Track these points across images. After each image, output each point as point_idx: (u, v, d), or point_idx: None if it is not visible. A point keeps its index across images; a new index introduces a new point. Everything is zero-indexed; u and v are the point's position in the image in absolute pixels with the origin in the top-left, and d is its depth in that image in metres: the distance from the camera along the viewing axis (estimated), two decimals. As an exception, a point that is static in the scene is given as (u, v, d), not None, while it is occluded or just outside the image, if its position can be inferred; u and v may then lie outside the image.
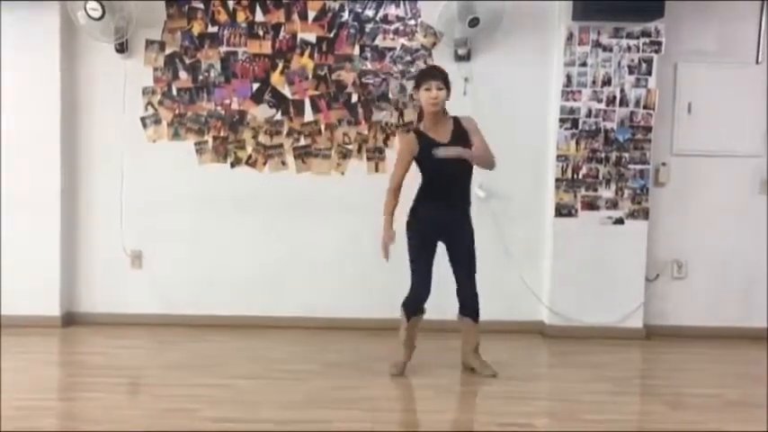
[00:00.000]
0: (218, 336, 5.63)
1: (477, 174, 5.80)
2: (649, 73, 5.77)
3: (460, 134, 4.71)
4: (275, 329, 5.78)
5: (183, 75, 5.84)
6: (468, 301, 4.91)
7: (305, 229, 5.90)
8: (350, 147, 5.90)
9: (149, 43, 5.82)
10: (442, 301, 5.89)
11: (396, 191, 4.80)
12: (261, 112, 5.86)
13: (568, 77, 5.77)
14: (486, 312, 5.89)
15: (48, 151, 5.73)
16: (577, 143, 5.81)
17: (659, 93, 5.80)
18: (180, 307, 5.85)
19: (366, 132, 5.89)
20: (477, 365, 4.90)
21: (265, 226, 5.85)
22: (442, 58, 5.81)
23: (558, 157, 5.82)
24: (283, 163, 5.89)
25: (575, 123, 5.80)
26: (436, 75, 4.73)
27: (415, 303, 4.89)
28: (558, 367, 5.35)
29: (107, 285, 5.93)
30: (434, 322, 5.89)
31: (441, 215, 4.78)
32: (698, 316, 5.95)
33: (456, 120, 4.78)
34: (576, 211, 5.85)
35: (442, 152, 4.58)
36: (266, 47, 5.84)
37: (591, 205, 5.84)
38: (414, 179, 4.79)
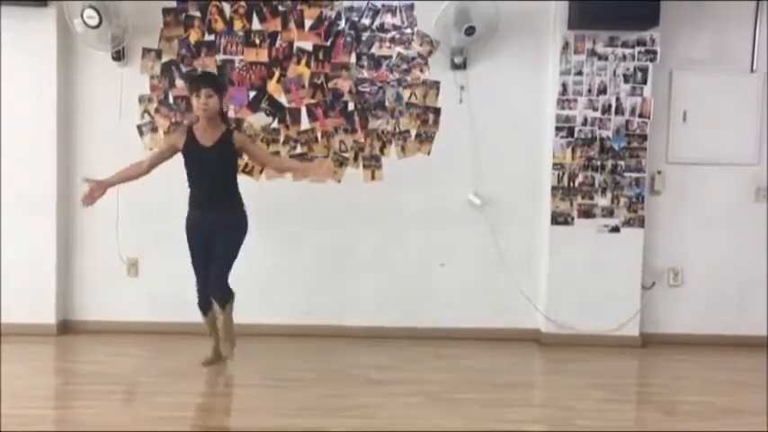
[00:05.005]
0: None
1: (472, 181, 5.86)
2: (644, 81, 5.79)
3: (226, 144, 4.72)
4: (270, 337, 5.77)
5: (179, 83, 5.84)
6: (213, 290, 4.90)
7: (300, 237, 5.91)
8: (346, 155, 5.90)
9: (146, 51, 5.83)
10: (436, 308, 5.94)
11: (146, 166, 4.85)
12: (257, 120, 5.87)
13: (564, 86, 5.79)
14: (482, 320, 5.94)
15: (44, 159, 5.72)
16: (573, 151, 5.82)
17: (654, 101, 5.82)
18: (175, 315, 5.83)
19: (362, 140, 5.90)
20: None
21: (261, 233, 5.81)
22: (438, 66, 5.84)
23: (554, 165, 5.83)
24: (280, 171, 5.90)
25: (570, 131, 5.82)
26: (205, 81, 4.76)
27: (198, 302, 4.97)
28: (554, 375, 5.35)
29: (103, 293, 5.92)
30: (427, 330, 5.93)
31: (202, 216, 4.79)
32: (694, 324, 5.96)
33: (228, 131, 4.78)
34: (572, 219, 5.85)
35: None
36: (263, 55, 5.85)
37: (587, 213, 5.85)
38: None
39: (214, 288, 4.85)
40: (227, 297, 4.89)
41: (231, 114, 5.84)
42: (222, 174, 4.80)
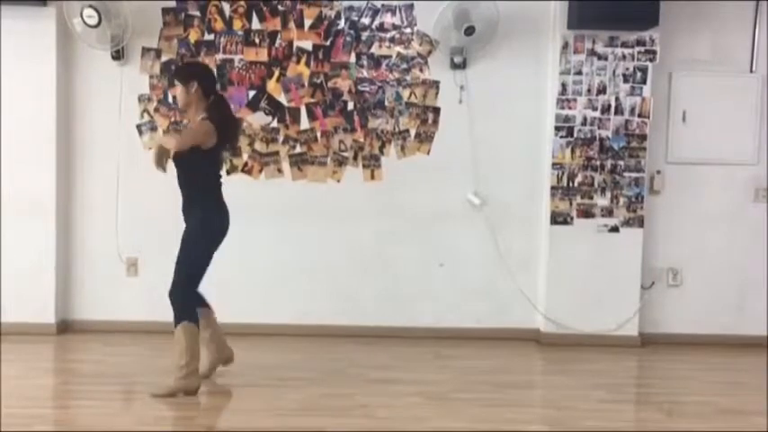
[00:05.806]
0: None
1: (472, 181, 5.86)
2: (644, 81, 5.80)
3: None
4: (269, 336, 5.78)
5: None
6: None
7: (300, 237, 5.90)
8: (346, 154, 5.90)
9: (145, 51, 5.82)
10: (436, 308, 5.94)
11: None
12: (257, 120, 5.87)
13: (564, 86, 5.79)
14: (482, 319, 5.94)
15: (43, 158, 5.72)
16: (573, 151, 5.82)
17: (654, 101, 5.82)
18: (175, 314, 5.84)
19: (362, 140, 5.90)
20: None
21: (260, 233, 5.84)
22: (437, 66, 5.84)
23: (554, 164, 5.83)
24: (279, 170, 5.90)
25: (570, 131, 5.82)
26: (173, 74, 4.81)
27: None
28: (553, 374, 5.35)
29: (102, 293, 5.91)
30: (427, 330, 5.93)
31: (184, 218, 4.73)
32: (693, 323, 5.96)
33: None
34: (572, 218, 5.85)
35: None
36: (262, 54, 5.85)
37: (586, 213, 5.85)
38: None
39: (171, 300, 4.64)
40: (179, 313, 4.59)
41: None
42: (182, 172, 4.59)
